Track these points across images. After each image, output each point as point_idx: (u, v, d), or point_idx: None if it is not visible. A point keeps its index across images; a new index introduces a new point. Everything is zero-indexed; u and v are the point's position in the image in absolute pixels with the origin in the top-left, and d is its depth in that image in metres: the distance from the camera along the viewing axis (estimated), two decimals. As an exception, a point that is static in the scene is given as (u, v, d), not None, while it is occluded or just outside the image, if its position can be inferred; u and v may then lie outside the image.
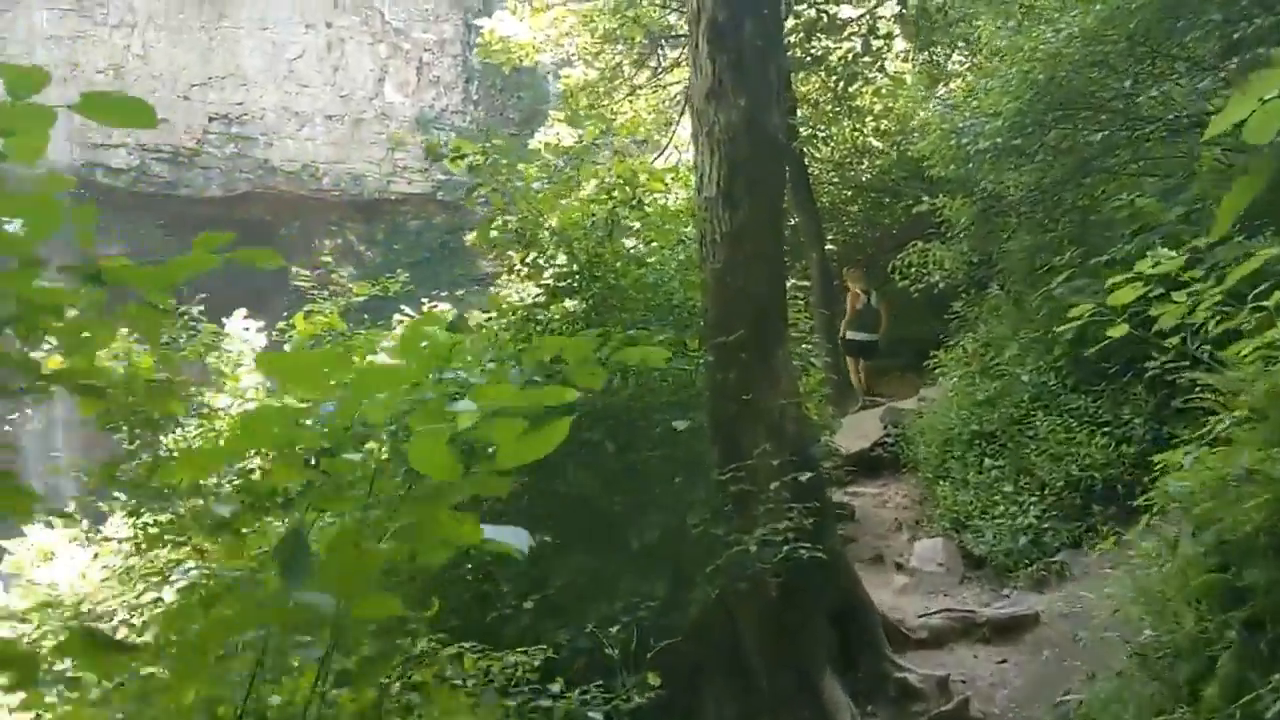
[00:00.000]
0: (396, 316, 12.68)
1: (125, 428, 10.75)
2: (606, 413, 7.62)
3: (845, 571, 8.12)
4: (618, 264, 8.66)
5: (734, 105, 7.96)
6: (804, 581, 7.32)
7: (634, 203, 8.70)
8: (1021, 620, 8.66)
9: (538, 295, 8.56)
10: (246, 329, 12.14)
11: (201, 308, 11.62)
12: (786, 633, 7.42)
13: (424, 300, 14.30)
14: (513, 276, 9.03)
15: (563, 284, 8.47)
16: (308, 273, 12.59)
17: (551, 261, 8.51)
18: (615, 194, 8.60)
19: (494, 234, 8.54)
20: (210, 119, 33.35)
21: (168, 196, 32.86)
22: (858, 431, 13.91)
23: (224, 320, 12.20)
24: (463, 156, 8.29)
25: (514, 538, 2.07)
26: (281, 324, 11.85)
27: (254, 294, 13.06)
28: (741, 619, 7.47)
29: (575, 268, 8.49)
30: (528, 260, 8.57)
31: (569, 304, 8.65)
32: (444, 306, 14.57)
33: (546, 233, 8.47)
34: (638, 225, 8.91)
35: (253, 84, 33.57)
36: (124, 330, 11.29)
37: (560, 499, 7.69)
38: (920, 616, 8.86)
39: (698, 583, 7.26)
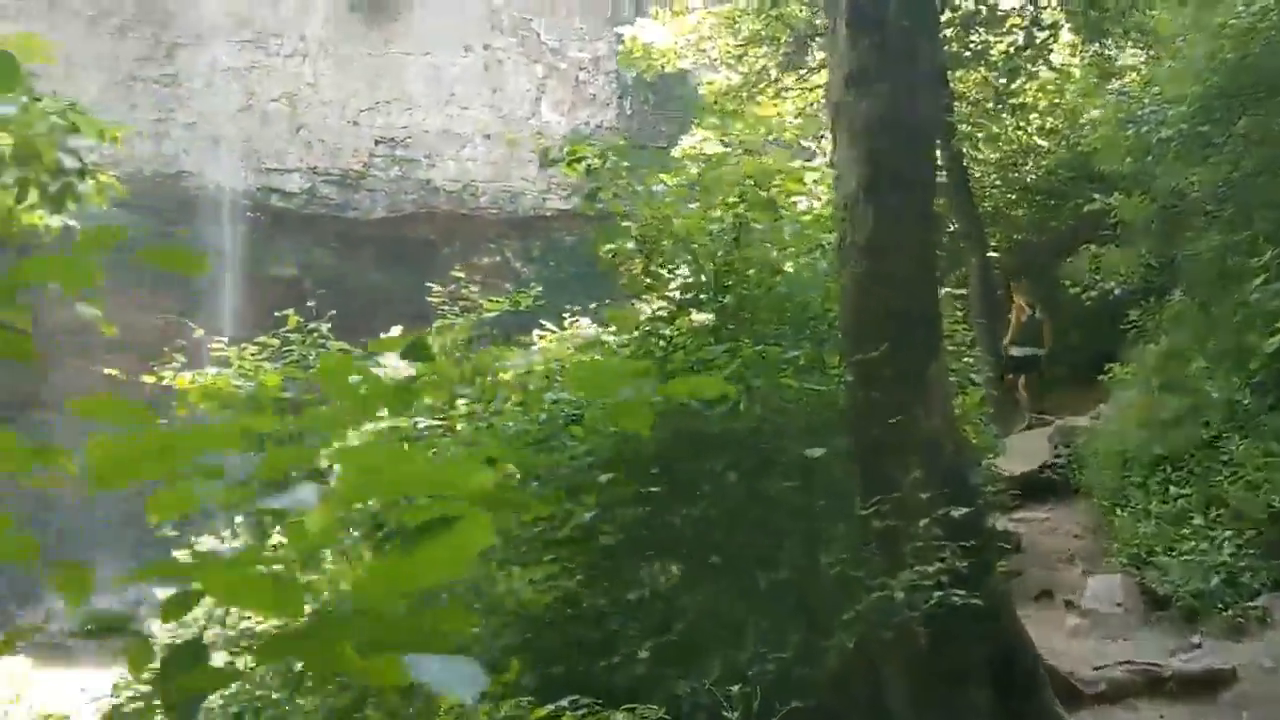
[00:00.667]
0: (536, 332, 12.25)
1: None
2: (729, 438, 6.86)
3: (1008, 618, 7.16)
4: (749, 272, 7.91)
5: (877, 93, 7.13)
6: (959, 629, 6.43)
7: (768, 206, 7.94)
8: (1216, 675, 7.55)
9: (661, 308, 7.86)
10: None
11: (329, 324, 11.43)
12: (938, 688, 6.54)
13: (565, 314, 13.83)
14: (639, 289, 8.37)
15: (688, 296, 7.77)
16: (440, 288, 12.29)
17: (675, 272, 7.82)
18: (746, 196, 7.85)
19: (614, 244, 7.91)
20: (376, 142, 34.11)
21: (336, 218, 33.69)
22: (1025, 451, 12.85)
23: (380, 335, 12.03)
24: (579, 159, 7.68)
25: (460, 679, 1.21)
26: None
27: (416, 314, 12.80)
28: (886, 672, 6.61)
29: (702, 278, 7.78)
30: (649, 270, 7.90)
31: (697, 317, 7.95)
32: (584, 322, 14.13)
33: (669, 240, 7.77)
34: (771, 229, 8.11)
35: (416, 107, 34.18)
36: (252, 350, 11.23)
37: (683, 530, 6.99)
38: (1096, 668, 7.83)
39: (835, 630, 6.43)
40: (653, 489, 6.77)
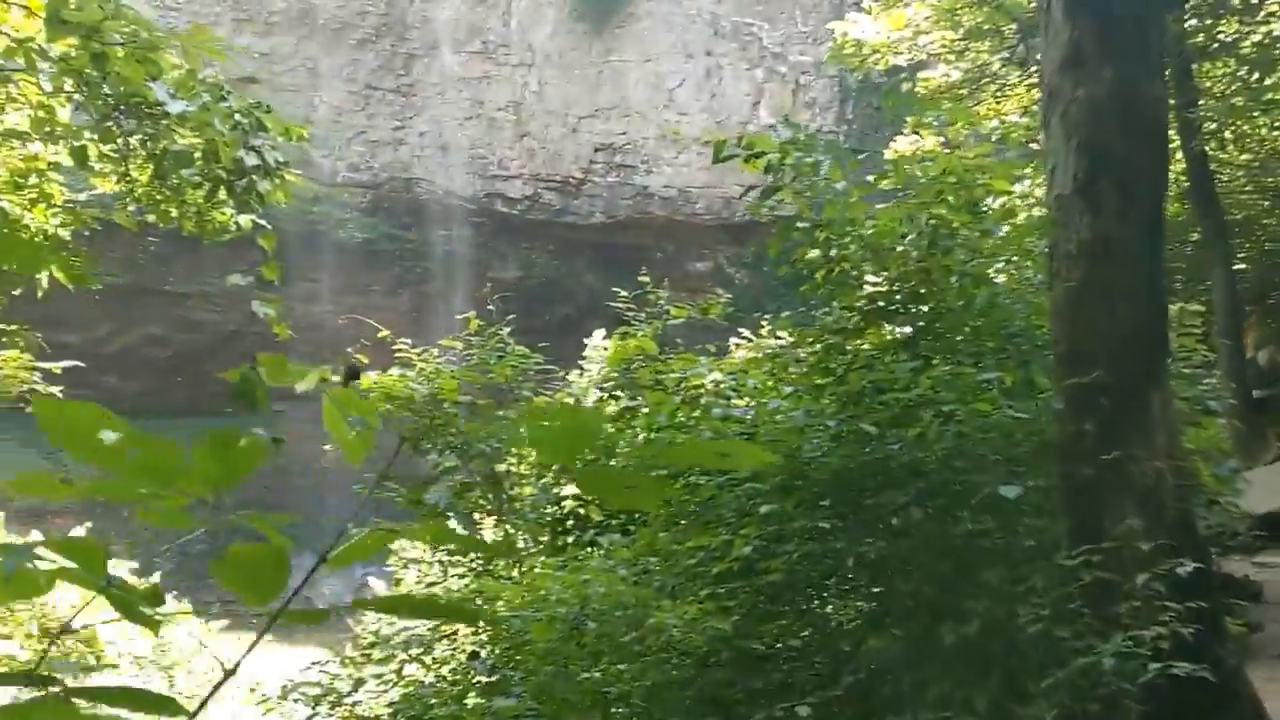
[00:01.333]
0: (733, 340, 11.68)
1: (435, 449, 10.52)
2: (914, 469, 6.03)
3: (1244, 697, 6.08)
4: (950, 279, 7.02)
5: (1098, 77, 6.17)
6: (1182, 704, 5.45)
7: (970, 206, 7.03)
8: None
9: (846, 318, 7.07)
10: (604, 349, 11.67)
11: (510, 329, 11.21)
12: (1154, 773, 5.55)
13: (764, 322, 13.24)
14: (824, 298, 7.59)
15: (877, 305, 6.95)
16: (625, 293, 11.89)
17: (863, 279, 7.01)
18: (945, 195, 6.97)
19: (790, 248, 7.19)
20: (596, 149, 34.51)
21: (556, 223, 34.26)
22: (1272, 487, 11.45)
23: (586, 340, 11.80)
24: (759, 155, 6.97)
25: None
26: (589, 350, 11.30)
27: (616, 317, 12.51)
28: (1092, 750, 5.67)
29: (894, 287, 6.96)
30: (832, 277, 7.12)
31: (893, 330, 7.14)
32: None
33: (855, 244, 6.96)
34: (974, 233, 7.19)
35: (635, 114, 34.37)
36: (433, 352, 11.08)
37: (858, 570, 6.22)
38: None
39: (1032, 697, 5.54)
40: (823, 524, 6.02)
